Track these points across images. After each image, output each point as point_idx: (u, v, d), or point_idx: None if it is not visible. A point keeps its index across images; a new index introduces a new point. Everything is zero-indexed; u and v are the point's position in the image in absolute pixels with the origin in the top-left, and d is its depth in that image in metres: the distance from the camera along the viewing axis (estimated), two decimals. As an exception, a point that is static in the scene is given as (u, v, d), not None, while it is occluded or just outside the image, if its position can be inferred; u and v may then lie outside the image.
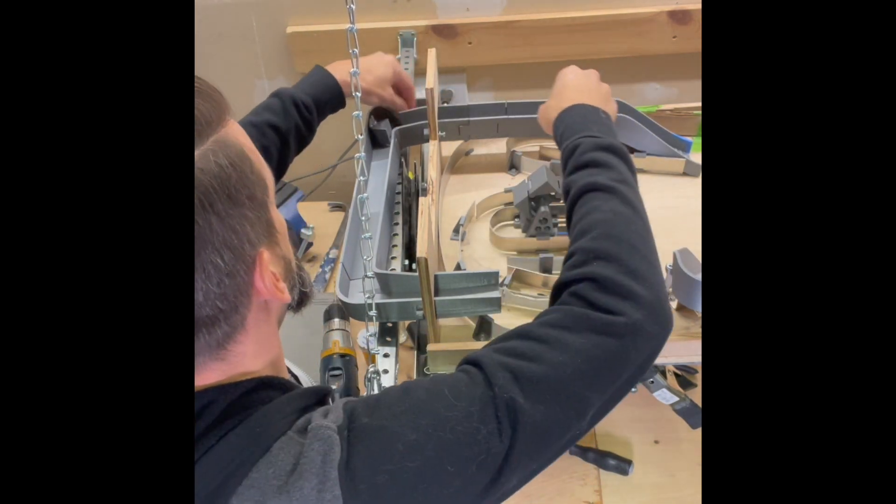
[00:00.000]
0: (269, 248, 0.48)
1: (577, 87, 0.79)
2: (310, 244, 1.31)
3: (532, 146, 1.10)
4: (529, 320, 0.56)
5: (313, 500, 0.43)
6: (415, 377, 0.81)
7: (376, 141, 1.04)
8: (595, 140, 0.67)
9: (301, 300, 0.56)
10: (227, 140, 0.45)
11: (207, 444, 0.45)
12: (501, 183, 1.02)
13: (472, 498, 0.47)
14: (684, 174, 1.01)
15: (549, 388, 0.50)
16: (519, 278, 0.84)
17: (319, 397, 0.51)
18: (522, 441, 0.48)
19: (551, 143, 0.81)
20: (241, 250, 0.45)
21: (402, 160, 1.05)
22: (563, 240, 0.90)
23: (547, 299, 0.62)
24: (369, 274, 0.68)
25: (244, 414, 0.47)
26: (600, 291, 0.55)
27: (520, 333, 0.54)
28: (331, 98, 0.93)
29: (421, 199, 0.74)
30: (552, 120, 0.76)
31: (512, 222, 0.97)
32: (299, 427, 0.47)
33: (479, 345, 0.76)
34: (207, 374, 0.48)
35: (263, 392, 0.49)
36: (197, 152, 0.42)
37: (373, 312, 0.70)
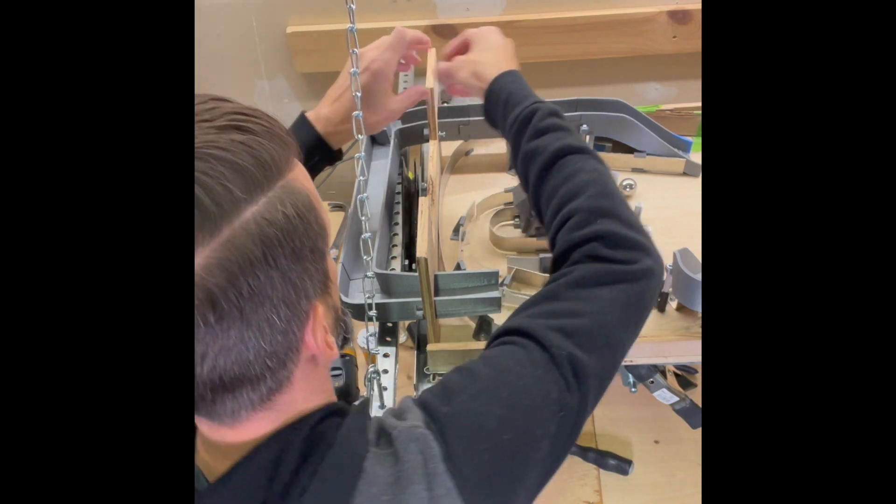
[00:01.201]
0: (322, 301, 0.45)
1: (506, 51, 0.80)
2: (310, 244, 1.31)
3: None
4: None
5: (426, 500, 0.43)
6: (415, 377, 0.81)
7: (376, 141, 1.04)
8: (548, 106, 0.70)
9: (342, 344, 0.53)
10: (295, 187, 0.43)
11: (301, 485, 0.43)
12: (501, 183, 1.02)
13: (555, 456, 0.50)
14: (684, 174, 1.01)
15: (596, 338, 0.53)
16: (519, 278, 0.84)
17: (360, 408, 0.50)
18: (588, 391, 0.51)
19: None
20: (298, 306, 0.43)
21: (402, 160, 1.05)
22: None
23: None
24: (369, 274, 0.68)
25: (324, 445, 0.45)
26: (611, 247, 0.58)
27: (547, 296, 0.56)
28: (311, 151, 0.76)
29: (421, 199, 0.74)
30: (489, 78, 0.75)
31: (512, 222, 0.97)
32: (373, 441, 0.46)
33: (480, 345, 0.77)
34: (257, 425, 0.45)
35: (330, 419, 0.48)
36: (264, 200, 0.40)
37: (373, 312, 0.70)
